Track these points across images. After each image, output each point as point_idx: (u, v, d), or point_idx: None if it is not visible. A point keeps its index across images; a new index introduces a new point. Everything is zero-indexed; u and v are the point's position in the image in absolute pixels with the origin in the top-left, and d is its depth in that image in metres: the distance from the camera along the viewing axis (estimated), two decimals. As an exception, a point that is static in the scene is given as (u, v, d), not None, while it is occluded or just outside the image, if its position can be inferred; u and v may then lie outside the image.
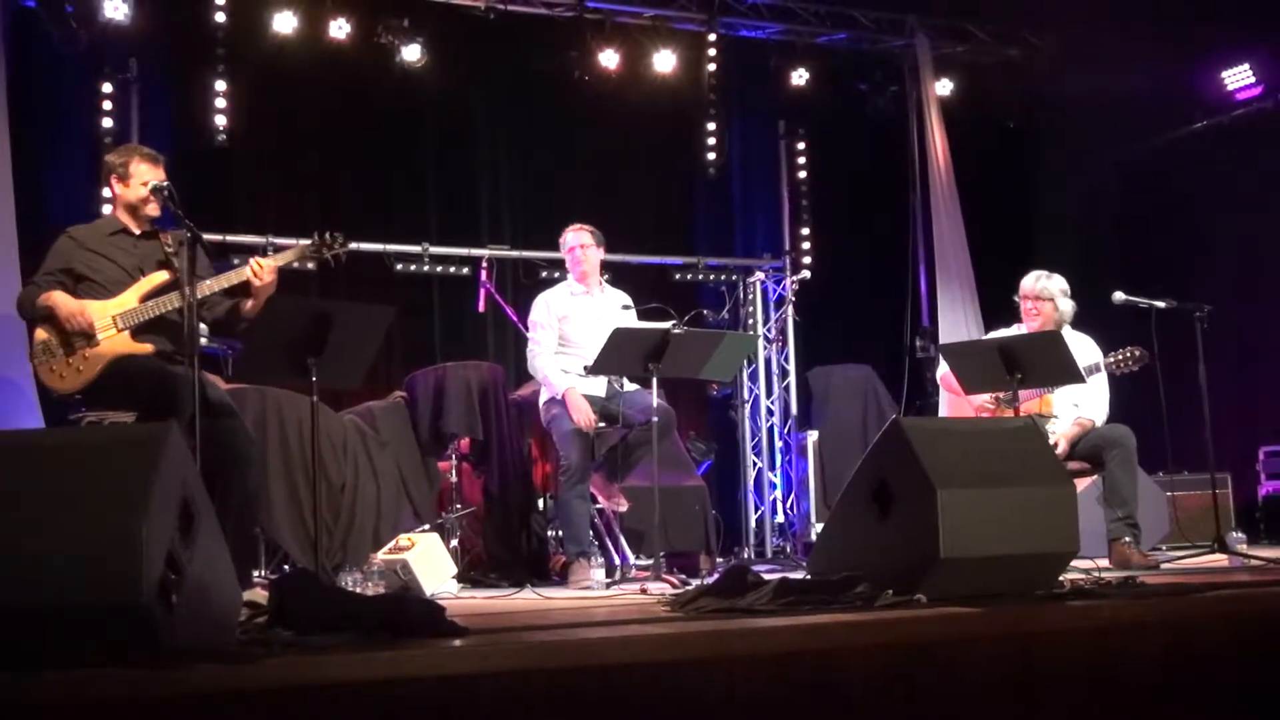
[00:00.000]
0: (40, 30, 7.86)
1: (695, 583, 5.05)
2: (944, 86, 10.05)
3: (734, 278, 10.04)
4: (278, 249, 8.27)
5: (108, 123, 8.06)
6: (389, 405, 7.18)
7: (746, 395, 9.89)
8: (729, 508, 9.39)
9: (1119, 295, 6.37)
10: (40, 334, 4.98)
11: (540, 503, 7.37)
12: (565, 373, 6.36)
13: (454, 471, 7.07)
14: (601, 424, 6.40)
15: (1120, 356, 6.16)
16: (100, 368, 4.95)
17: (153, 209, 5.20)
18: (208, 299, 5.14)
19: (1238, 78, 9.91)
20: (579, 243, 6.60)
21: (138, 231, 5.22)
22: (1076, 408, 6.33)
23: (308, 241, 5.42)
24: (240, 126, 8.41)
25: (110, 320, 4.98)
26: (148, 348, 5.02)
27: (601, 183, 9.45)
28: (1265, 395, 9.51)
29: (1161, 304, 6.37)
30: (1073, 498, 4.20)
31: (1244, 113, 9.88)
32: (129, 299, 5.05)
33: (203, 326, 5.29)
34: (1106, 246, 9.97)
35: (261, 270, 5.11)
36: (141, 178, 5.17)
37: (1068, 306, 6.47)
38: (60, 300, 4.95)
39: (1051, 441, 6.02)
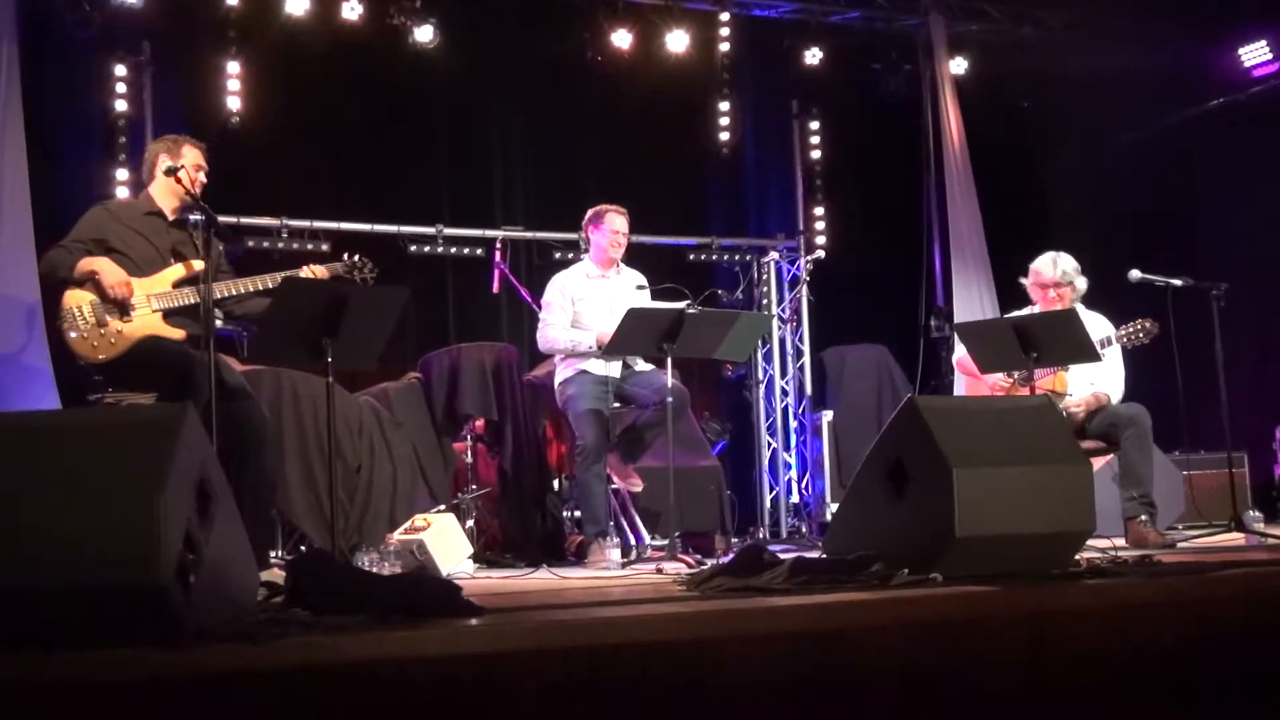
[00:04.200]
0: (53, 13, 7.86)
1: (710, 562, 5.06)
2: (958, 65, 10.01)
3: (748, 258, 10.02)
4: (291, 231, 8.32)
5: (121, 105, 8.07)
6: (404, 386, 7.19)
7: (761, 375, 9.88)
8: (744, 488, 9.39)
9: (1135, 273, 6.34)
10: (74, 297, 4.99)
11: (555, 483, 7.39)
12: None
13: (469, 452, 7.09)
14: (616, 404, 6.41)
15: (1131, 329, 6.14)
16: (131, 344, 4.99)
17: (196, 193, 5.24)
18: (244, 296, 5.19)
19: (1255, 54, 9.84)
20: (622, 229, 6.54)
21: (171, 218, 5.26)
22: (1092, 385, 6.31)
23: (341, 263, 5.50)
24: (253, 109, 8.40)
25: (145, 299, 5.02)
26: (180, 333, 5.07)
27: (615, 163, 9.42)
28: (1282, 374, 9.47)
29: (1178, 282, 6.34)
30: (1089, 477, 4.19)
31: (1261, 89, 9.81)
32: (164, 281, 5.09)
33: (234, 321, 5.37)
34: (1122, 225, 9.92)
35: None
36: (193, 159, 5.24)
37: (1083, 285, 6.44)
38: (107, 266, 4.99)
39: (1064, 407, 6.05)
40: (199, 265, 5.13)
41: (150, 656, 2.57)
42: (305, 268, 5.34)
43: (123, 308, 4.99)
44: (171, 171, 5.09)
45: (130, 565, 2.69)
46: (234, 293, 5.17)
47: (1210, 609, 3.66)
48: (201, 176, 5.26)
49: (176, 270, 5.15)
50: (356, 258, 5.51)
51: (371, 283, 5.50)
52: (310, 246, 8.04)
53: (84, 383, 5.15)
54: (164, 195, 5.27)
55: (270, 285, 5.20)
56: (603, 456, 6.25)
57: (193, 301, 5.07)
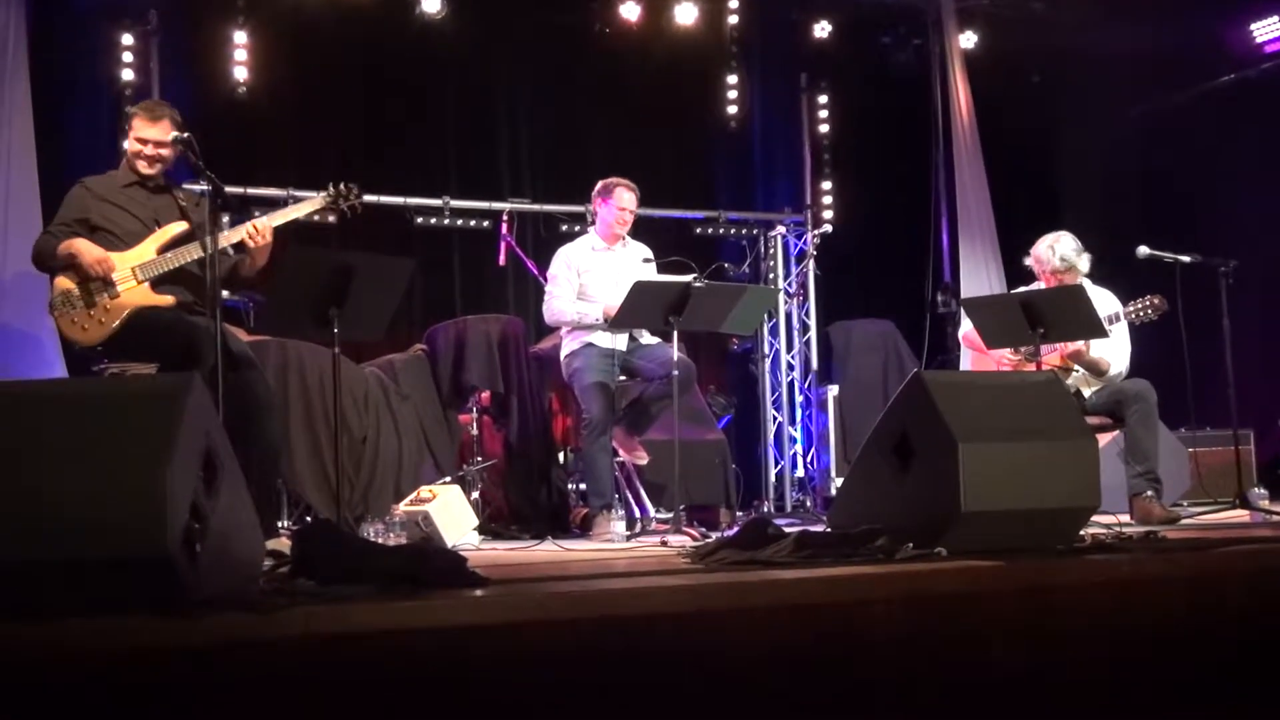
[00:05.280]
0: (61, -19, 7.85)
1: (715, 536, 5.07)
2: (968, 40, 9.95)
3: (755, 232, 10.00)
4: (298, 202, 8.29)
5: (128, 75, 8.04)
6: (410, 358, 7.19)
7: (767, 350, 9.88)
8: (749, 462, 9.40)
9: (1143, 250, 6.32)
10: (61, 283, 4.98)
11: (560, 456, 7.40)
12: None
13: (475, 424, 7.09)
14: (622, 377, 6.41)
15: (1139, 306, 6.12)
16: (121, 319, 4.97)
17: (141, 165, 5.17)
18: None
19: (1267, 30, 9.78)
20: (630, 206, 6.52)
21: (151, 184, 5.23)
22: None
23: (324, 193, 5.43)
24: (260, 79, 8.37)
25: (130, 271, 4.99)
26: (169, 300, 5.03)
27: (622, 136, 9.39)
28: (1289, 351, 9.44)
29: (1186, 258, 6.32)
30: (1095, 452, 4.18)
31: (1273, 65, 9.75)
32: (147, 250, 5.06)
33: None
34: (1131, 201, 9.89)
35: (258, 232, 5.10)
36: (137, 132, 5.17)
37: (1086, 265, 6.41)
38: (84, 247, 4.96)
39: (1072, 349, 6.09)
40: (179, 228, 5.11)
41: (156, 625, 2.58)
42: (250, 222, 5.17)
43: (107, 284, 4.97)
44: (179, 142, 5.07)
45: (137, 535, 2.69)
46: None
47: (1214, 586, 3.66)
48: (148, 150, 5.15)
49: (159, 236, 5.11)
50: (342, 186, 5.43)
51: (360, 209, 5.46)
52: (317, 218, 8.01)
53: (88, 354, 5.14)
54: (137, 163, 5.24)
55: (248, 236, 5.10)
56: (608, 429, 6.25)
57: (177, 265, 5.04)
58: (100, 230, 5.07)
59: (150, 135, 5.14)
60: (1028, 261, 6.53)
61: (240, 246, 5.16)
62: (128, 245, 5.07)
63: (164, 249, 5.07)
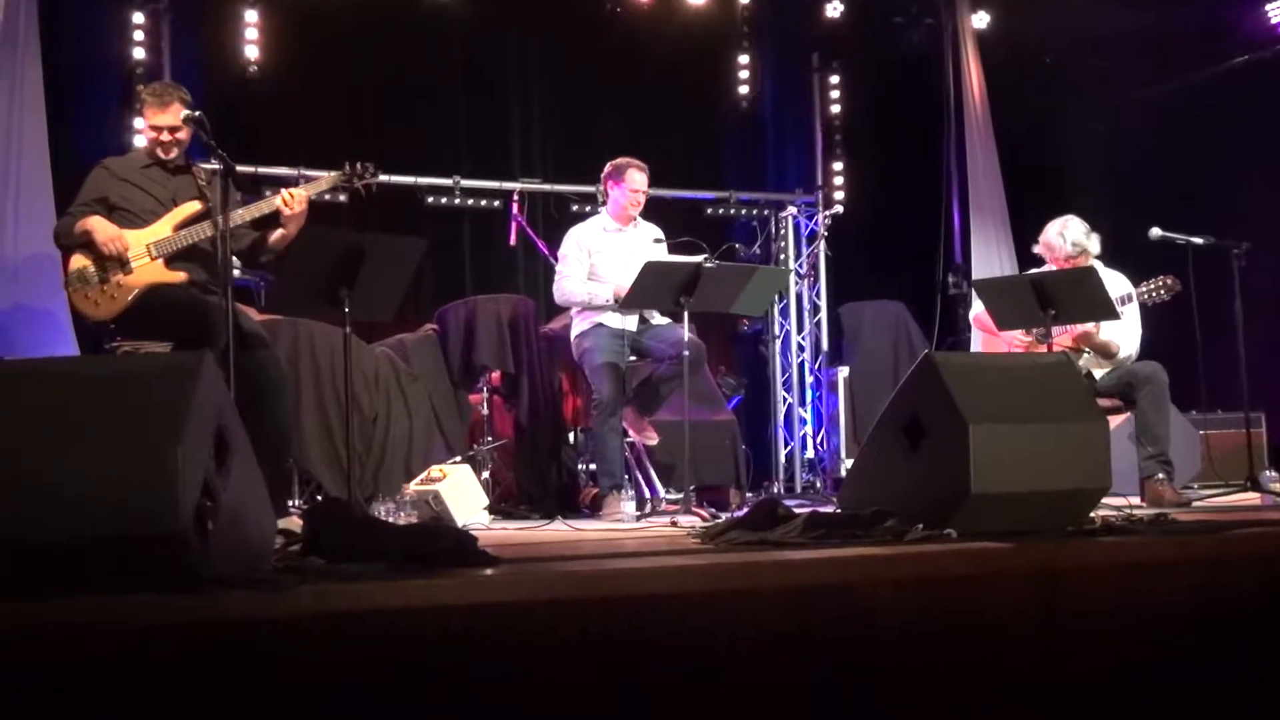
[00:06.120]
0: (71, -40, 7.83)
1: (725, 516, 5.07)
2: (980, 20, 9.90)
3: (766, 212, 9.98)
4: (309, 181, 8.29)
5: (139, 53, 8.04)
6: (420, 338, 7.20)
7: (777, 331, 9.87)
8: (759, 443, 9.40)
9: (1156, 231, 6.30)
10: (76, 261, 5.02)
11: (570, 436, 7.40)
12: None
13: (485, 404, 7.11)
14: (633, 358, 6.41)
15: (1152, 286, 6.10)
16: (134, 295, 4.99)
17: (160, 152, 5.20)
18: (234, 230, 5.14)
19: (1281, 11, 9.73)
20: (641, 186, 6.49)
21: (171, 165, 5.24)
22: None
23: (339, 172, 5.44)
24: (271, 58, 8.37)
25: (144, 249, 5.02)
26: (181, 276, 5.06)
27: (633, 116, 9.38)
28: (1301, 334, 9.40)
29: (1199, 240, 6.30)
30: (1105, 434, 4.18)
31: (1286, 47, 9.70)
32: (162, 228, 5.08)
33: (235, 259, 5.31)
34: (1143, 183, 9.83)
35: (293, 200, 5.13)
36: (150, 120, 5.20)
37: (1096, 246, 6.39)
38: (98, 224, 5.00)
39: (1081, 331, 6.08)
40: (195, 207, 5.12)
41: (168, 603, 2.59)
42: (283, 190, 5.21)
43: (122, 262, 4.99)
44: (190, 120, 5.08)
45: (148, 513, 2.69)
46: (237, 223, 5.12)
47: (1225, 568, 3.66)
48: (164, 137, 5.17)
49: (175, 215, 5.13)
50: (358, 165, 5.45)
51: (374, 188, 5.47)
52: (328, 197, 8.01)
53: (101, 331, 5.16)
54: (157, 150, 5.24)
55: (268, 210, 5.14)
56: (619, 410, 6.25)
57: (192, 242, 5.06)
58: (119, 209, 5.11)
59: (164, 122, 5.18)
60: (1037, 249, 6.51)
61: (271, 219, 5.18)
62: (145, 224, 5.10)
63: (180, 227, 5.10)
